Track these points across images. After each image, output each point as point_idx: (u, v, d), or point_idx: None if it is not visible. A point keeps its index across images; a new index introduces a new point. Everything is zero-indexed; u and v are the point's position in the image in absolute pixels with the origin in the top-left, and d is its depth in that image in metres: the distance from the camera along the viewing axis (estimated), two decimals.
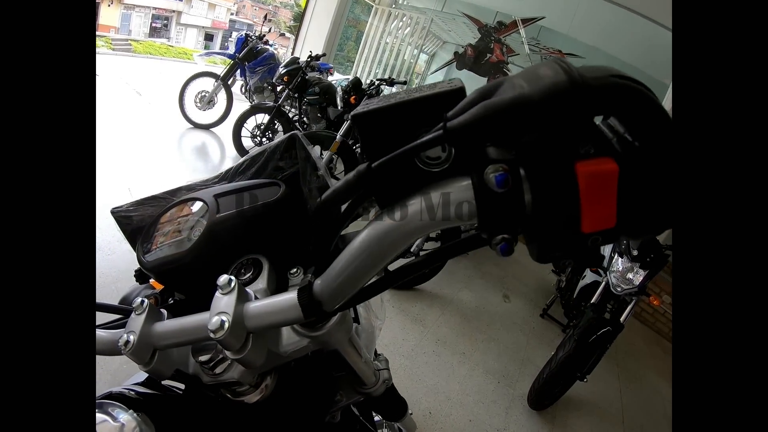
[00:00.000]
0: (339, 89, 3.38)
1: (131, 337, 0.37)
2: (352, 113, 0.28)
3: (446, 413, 1.84)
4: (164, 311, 0.40)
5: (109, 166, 3.08)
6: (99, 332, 0.42)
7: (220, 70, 4.33)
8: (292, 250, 0.47)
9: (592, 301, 2.09)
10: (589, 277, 2.71)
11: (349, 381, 0.53)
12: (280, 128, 3.76)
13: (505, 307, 2.96)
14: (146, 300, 0.39)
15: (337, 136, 2.91)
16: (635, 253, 1.91)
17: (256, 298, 0.36)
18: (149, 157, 3.46)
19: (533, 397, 1.99)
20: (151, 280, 0.62)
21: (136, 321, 0.38)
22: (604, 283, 2.10)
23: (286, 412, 0.46)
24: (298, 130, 3.83)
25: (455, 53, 5.62)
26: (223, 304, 0.34)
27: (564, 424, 2.03)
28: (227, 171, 0.53)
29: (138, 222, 0.51)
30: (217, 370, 0.40)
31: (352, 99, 3.07)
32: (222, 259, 0.44)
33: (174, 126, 4.25)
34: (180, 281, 0.46)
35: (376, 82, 3.18)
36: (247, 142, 3.73)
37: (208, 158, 3.94)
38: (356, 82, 3.18)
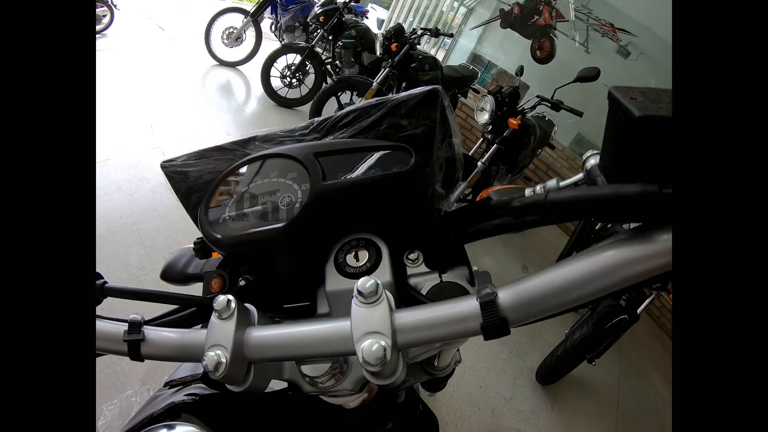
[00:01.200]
0: (379, 34, 3.17)
1: (223, 356, 0.28)
2: None
3: (459, 376, 1.87)
4: (253, 309, 0.33)
5: (130, 103, 3.02)
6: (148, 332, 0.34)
7: (250, 6, 4.15)
8: (408, 231, 0.38)
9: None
10: None
11: (421, 362, 0.48)
12: (311, 70, 3.62)
13: None
14: (232, 301, 0.31)
15: (374, 84, 2.81)
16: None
17: (392, 307, 0.28)
18: (172, 94, 3.38)
19: (543, 371, 2.02)
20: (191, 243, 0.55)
21: (224, 330, 0.30)
22: None
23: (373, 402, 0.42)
24: (331, 73, 3.68)
25: (501, 10, 5.21)
26: (377, 317, 0.26)
27: (564, 402, 2.07)
28: (322, 122, 0.42)
29: (196, 180, 0.42)
30: (328, 383, 0.34)
31: (393, 46, 2.89)
32: (325, 237, 0.37)
33: (198, 63, 4.13)
34: (265, 261, 0.38)
35: (419, 31, 2.98)
36: (275, 83, 3.61)
37: (232, 97, 3.84)
38: (398, 28, 2.98)
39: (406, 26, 4.19)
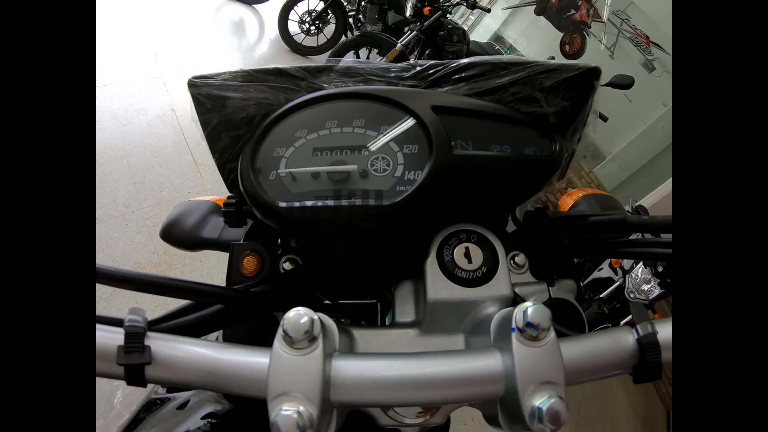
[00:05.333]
0: None
1: (306, 413, 0.19)
2: None
3: None
4: (331, 324, 0.23)
5: (135, 27, 2.82)
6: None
7: None
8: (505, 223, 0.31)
9: (601, 296, 2.12)
10: (605, 271, 2.70)
11: None
12: (332, 20, 3.44)
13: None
14: (316, 322, 0.20)
15: (398, 45, 2.67)
16: (660, 269, 1.88)
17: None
18: (181, 24, 3.17)
19: None
20: (210, 197, 0.44)
21: (303, 368, 0.20)
22: (618, 283, 2.08)
23: None
24: (352, 27, 3.49)
25: None
26: (549, 361, 0.20)
27: None
28: (429, 67, 0.32)
29: (236, 111, 0.31)
30: (418, 421, 0.27)
31: (426, 9, 2.73)
32: (433, 224, 0.28)
33: None
34: (336, 244, 0.29)
35: (455, 0, 2.82)
36: (293, 27, 3.42)
37: (244, 36, 3.63)
38: None
39: None
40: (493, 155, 0.28)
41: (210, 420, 0.33)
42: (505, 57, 0.31)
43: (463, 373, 0.20)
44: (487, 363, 0.20)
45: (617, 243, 0.33)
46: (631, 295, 1.96)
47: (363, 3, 3.38)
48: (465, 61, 0.31)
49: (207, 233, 0.40)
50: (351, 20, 3.54)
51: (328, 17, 3.43)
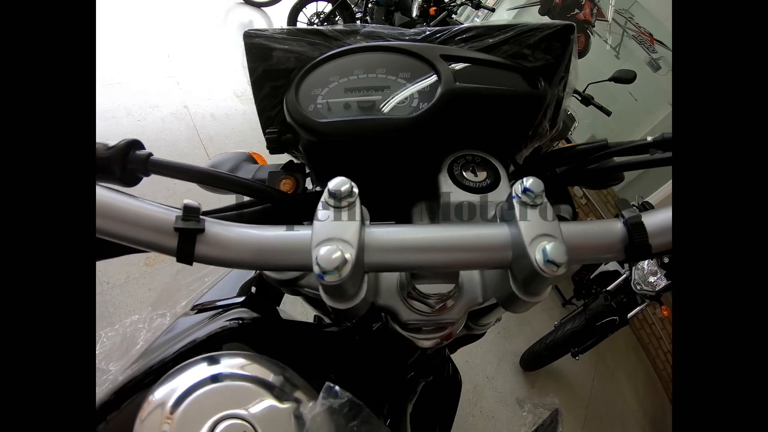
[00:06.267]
0: None
1: (347, 252, 0.21)
2: None
3: None
4: (363, 207, 0.26)
5: (148, 29, 2.93)
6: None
7: None
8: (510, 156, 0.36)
9: (608, 288, 2.10)
10: (612, 264, 2.70)
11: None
12: (340, 22, 3.50)
13: None
14: (354, 186, 0.24)
15: None
16: (666, 260, 1.88)
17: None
18: (192, 26, 3.28)
19: (527, 357, 2.06)
20: (247, 150, 0.48)
21: (344, 221, 0.23)
22: (625, 275, 2.09)
23: None
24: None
25: None
26: (546, 222, 0.23)
27: (541, 390, 2.12)
28: (437, 31, 0.38)
29: (278, 62, 0.36)
30: (438, 306, 0.30)
31: (432, 10, 2.78)
32: (442, 144, 0.34)
33: None
34: (360, 163, 0.34)
35: (460, 0, 2.86)
36: None
37: None
38: None
39: None
40: (489, 87, 0.33)
41: (239, 320, 0.37)
42: (497, 21, 0.38)
43: (477, 239, 0.24)
44: (496, 230, 0.24)
45: (604, 168, 0.38)
46: (638, 287, 1.94)
47: (370, 5, 3.45)
48: (465, 26, 0.38)
49: (242, 175, 0.44)
50: (358, 22, 3.60)
51: (336, 19, 3.49)
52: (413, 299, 0.30)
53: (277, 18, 3.95)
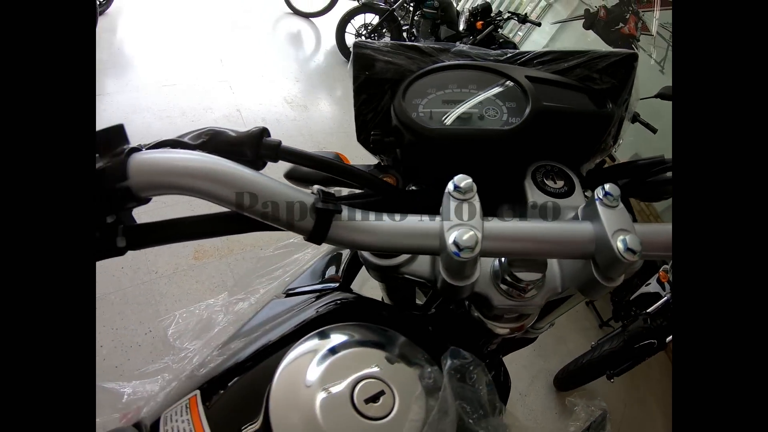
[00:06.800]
0: (465, 9, 3.09)
1: (476, 234, 0.25)
2: None
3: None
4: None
5: (203, 35, 3.08)
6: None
7: None
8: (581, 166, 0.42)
9: (648, 310, 2.06)
10: (653, 286, 2.61)
11: None
12: (387, 34, 3.59)
13: None
14: (472, 181, 0.29)
15: None
16: None
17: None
18: (244, 34, 3.42)
19: (562, 376, 2.03)
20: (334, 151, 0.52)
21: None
22: (666, 297, 2.06)
23: None
24: (406, 40, 3.65)
25: (586, 10, 4.95)
26: (623, 217, 0.28)
27: (573, 412, 2.08)
28: (517, 54, 0.43)
29: (380, 72, 0.40)
30: (529, 293, 0.34)
31: (478, 24, 2.82)
32: (528, 155, 0.39)
33: (272, 9, 4.11)
34: (452, 169, 0.38)
35: (506, 15, 2.89)
36: (349, 40, 3.60)
37: (301, 47, 3.84)
38: (486, 7, 2.91)
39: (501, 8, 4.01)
40: (567, 107, 0.39)
41: (342, 300, 0.42)
42: (570, 48, 0.44)
43: (569, 233, 0.29)
44: (583, 226, 0.29)
45: (660, 181, 0.43)
46: None
47: (416, 18, 3.52)
48: (542, 50, 0.43)
49: None
50: (405, 34, 3.67)
51: (383, 30, 3.58)
52: (507, 285, 0.34)
53: (324, 29, 4.08)
